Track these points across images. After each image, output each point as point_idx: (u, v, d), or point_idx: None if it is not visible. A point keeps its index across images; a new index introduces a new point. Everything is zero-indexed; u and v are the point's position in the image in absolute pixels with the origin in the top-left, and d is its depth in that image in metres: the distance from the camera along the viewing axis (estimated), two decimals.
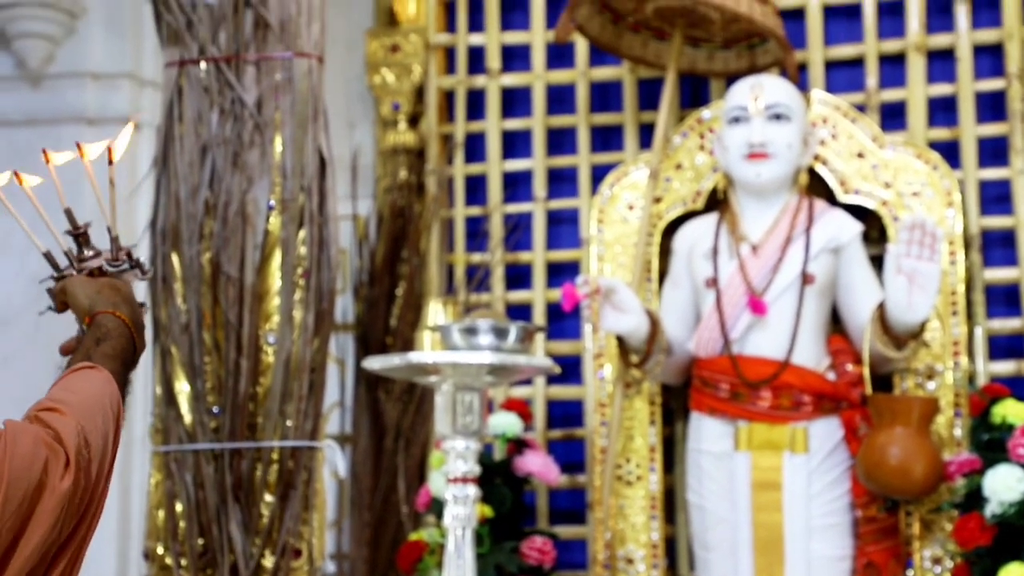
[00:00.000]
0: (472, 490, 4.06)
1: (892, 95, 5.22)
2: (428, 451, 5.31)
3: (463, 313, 5.04)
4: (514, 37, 5.61)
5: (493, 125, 5.57)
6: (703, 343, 4.80)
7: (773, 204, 4.85)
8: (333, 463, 4.40)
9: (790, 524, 4.66)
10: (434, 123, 5.61)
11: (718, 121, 5.01)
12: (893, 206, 4.92)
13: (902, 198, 4.91)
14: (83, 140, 2.26)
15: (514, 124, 5.58)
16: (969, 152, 5.10)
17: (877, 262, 4.76)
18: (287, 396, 4.21)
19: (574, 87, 5.54)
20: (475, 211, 5.55)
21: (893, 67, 5.25)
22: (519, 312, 5.43)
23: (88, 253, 2.26)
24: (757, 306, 4.72)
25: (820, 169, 4.98)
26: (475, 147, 5.61)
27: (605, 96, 5.55)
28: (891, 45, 5.25)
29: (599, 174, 5.36)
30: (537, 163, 5.52)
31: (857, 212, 4.93)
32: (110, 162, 2.21)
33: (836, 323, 4.88)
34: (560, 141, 5.54)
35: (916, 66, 5.19)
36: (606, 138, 5.51)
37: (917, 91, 5.18)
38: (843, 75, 5.29)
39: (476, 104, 5.62)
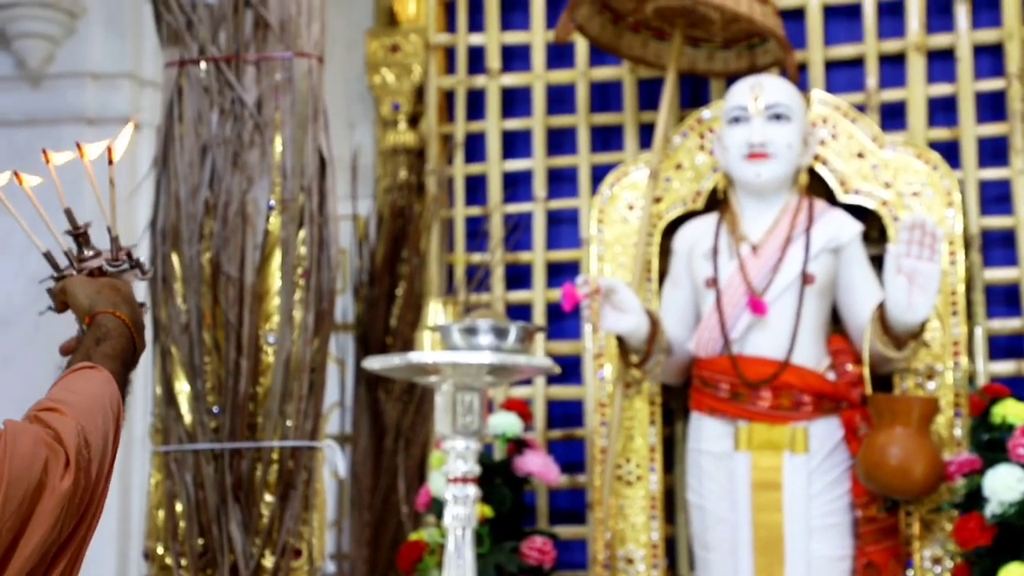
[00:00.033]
0: (472, 490, 4.05)
1: (892, 95, 5.22)
2: (428, 451, 5.31)
3: (463, 313, 5.04)
4: (514, 37, 5.61)
5: (493, 125, 5.57)
6: (703, 343, 4.80)
7: (773, 204, 4.85)
8: (333, 463, 4.40)
9: (790, 524, 4.66)
10: (434, 123, 5.61)
11: (718, 121, 5.01)
12: (893, 206, 4.92)
13: (902, 198, 4.91)
14: (83, 140, 2.26)
15: (514, 124, 5.58)
16: (969, 152, 5.10)
17: (877, 262, 4.76)
18: (287, 396, 4.21)
19: (574, 87, 5.54)
20: (475, 211, 5.55)
21: (893, 67, 5.25)
22: (519, 312, 5.43)
23: (88, 253, 2.26)
24: (757, 306, 4.72)
25: (820, 169, 4.98)
26: (475, 147, 5.61)
27: (605, 96, 5.55)
28: (891, 45, 5.25)
29: (599, 174, 5.36)
30: (537, 163, 5.52)
31: (857, 212, 4.93)
32: (110, 162, 2.21)
33: (836, 323, 4.88)
34: (560, 141, 5.54)
35: (916, 66, 5.19)
36: (606, 138, 5.51)
37: (917, 91, 5.18)
38: (843, 75, 5.29)
39: (476, 104, 5.62)
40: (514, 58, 5.62)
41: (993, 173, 5.09)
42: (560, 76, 5.55)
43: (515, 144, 5.58)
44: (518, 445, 4.94)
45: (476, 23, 5.65)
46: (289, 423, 4.20)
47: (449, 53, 5.70)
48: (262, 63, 4.32)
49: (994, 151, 5.12)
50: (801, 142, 4.85)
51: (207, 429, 4.21)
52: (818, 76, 5.26)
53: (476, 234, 5.53)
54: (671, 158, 5.12)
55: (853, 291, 4.79)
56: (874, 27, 5.25)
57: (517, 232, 5.51)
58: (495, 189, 5.53)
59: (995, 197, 5.10)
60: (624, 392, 4.93)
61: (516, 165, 5.55)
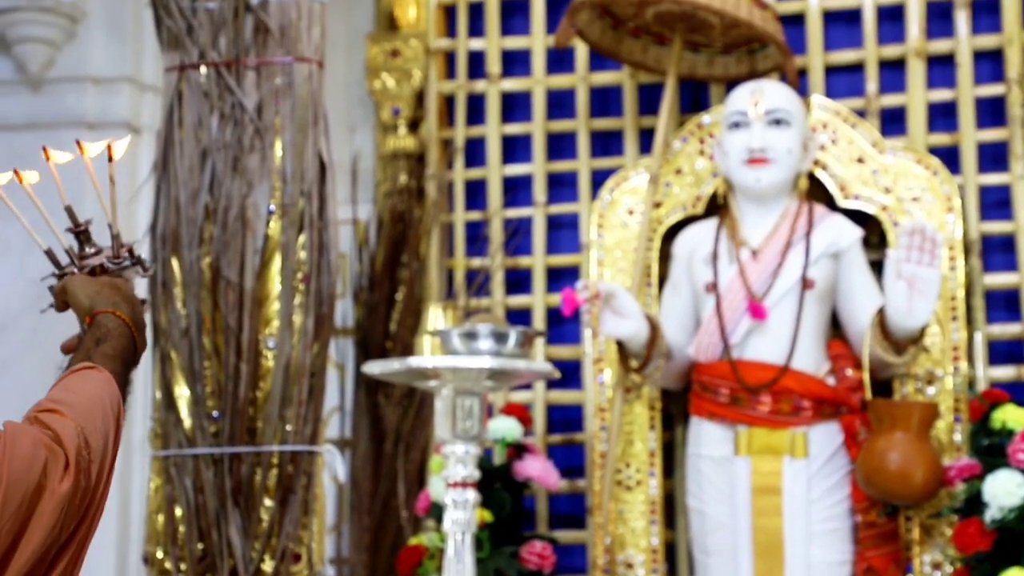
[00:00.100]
0: (472, 494, 4.05)
1: (892, 100, 5.23)
2: (428, 455, 5.31)
3: (463, 317, 5.05)
4: (514, 42, 5.62)
5: (493, 130, 5.58)
6: (703, 348, 4.80)
7: (773, 209, 4.85)
8: (333, 467, 4.40)
9: (790, 529, 4.66)
10: (434, 128, 5.62)
11: (718, 126, 5.01)
12: (893, 211, 4.92)
13: (902, 203, 4.91)
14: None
15: (514, 129, 5.58)
16: (969, 157, 5.10)
17: (877, 267, 4.77)
18: (287, 400, 4.20)
19: (574, 92, 5.54)
20: (475, 216, 5.55)
21: (893, 72, 5.25)
22: (519, 317, 5.43)
23: (89, 250, 2.26)
24: (757, 311, 4.72)
25: (820, 174, 4.98)
26: (475, 152, 5.61)
27: (605, 101, 5.55)
28: (891, 50, 5.25)
29: (599, 179, 5.36)
30: (537, 168, 5.52)
31: (857, 217, 4.93)
32: (110, 159, 2.21)
33: (836, 328, 4.88)
34: (560, 146, 5.54)
35: (916, 71, 5.19)
36: (606, 143, 5.51)
37: (917, 96, 5.18)
38: (843, 80, 5.30)
39: (476, 109, 5.62)
40: (514, 63, 5.62)
41: (993, 178, 5.09)
42: (560, 81, 5.55)
43: (515, 149, 5.58)
44: (518, 449, 4.94)
45: (476, 28, 5.65)
46: (289, 427, 4.20)
47: (449, 58, 5.71)
48: (262, 68, 4.32)
49: (994, 156, 5.12)
50: (801, 147, 4.85)
51: (207, 433, 4.21)
52: (818, 81, 5.26)
53: (476, 239, 5.53)
54: (671, 163, 5.12)
55: (853, 296, 4.79)
56: (874, 32, 5.25)
57: (517, 237, 5.51)
58: (495, 194, 5.53)
59: (995, 202, 5.11)
60: (624, 397, 4.93)
61: (516, 170, 5.55)
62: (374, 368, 4.15)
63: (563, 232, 5.49)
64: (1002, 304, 5.07)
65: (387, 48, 5.70)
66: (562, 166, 5.51)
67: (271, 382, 4.21)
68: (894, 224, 4.89)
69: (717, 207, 5.02)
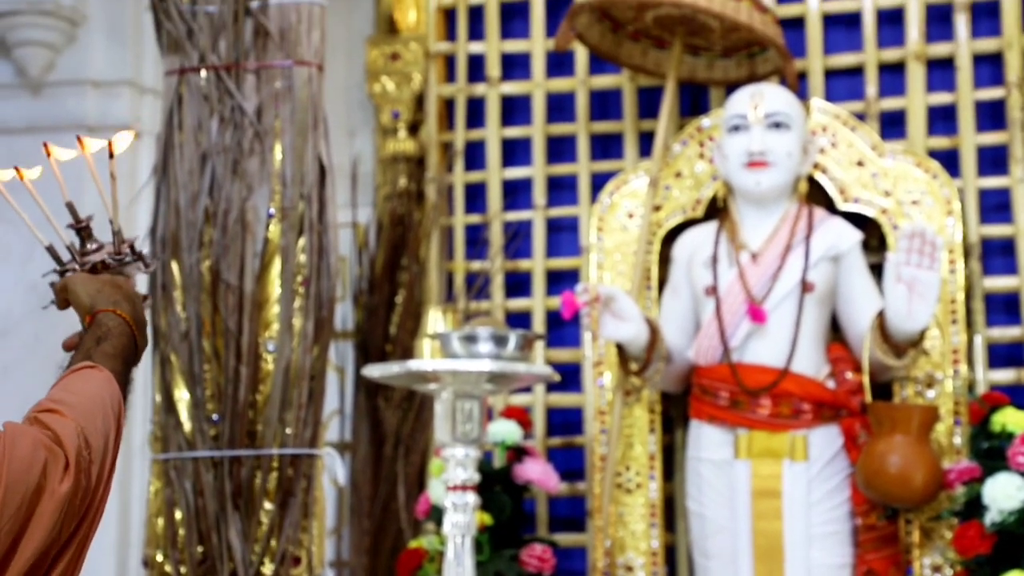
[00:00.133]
0: (471, 498, 4.06)
1: (892, 104, 5.23)
2: (428, 459, 5.31)
3: (463, 321, 5.05)
4: (514, 45, 5.62)
5: (493, 133, 5.58)
6: (702, 351, 4.80)
7: (773, 212, 4.85)
8: (332, 471, 4.40)
9: (790, 532, 4.66)
10: (434, 131, 5.62)
11: (718, 129, 5.01)
12: (893, 214, 4.92)
13: (902, 206, 4.92)
14: None
15: (514, 132, 5.58)
16: (969, 161, 5.10)
17: (877, 270, 4.77)
18: (286, 404, 4.21)
19: (574, 95, 5.54)
20: (475, 219, 5.56)
21: (893, 76, 5.26)
22: (519, 320, 5.43)
23: (91, 247, 2.26)
24: (756, 314, 4.72)
25: (820, 177, 4.99)
26: (475, 155, 5.61)
27: (605, 104, 5.55)
28: (891, 54, 5.25)
29: (599, 182, 5.36)
30: (537, 171, 5.52)
31: (857, 220, 4.93)
32: (111, 155, 2.21)
33: (836, 331, 4.88)
34: (560, 149, 5.55)
35: (916, 75, 5.19)
36: (606, 146, 5.52)
37: (917, 100, 5.18)
38: (843, 84, 5.30)
39: (476, 112, 5.62)
40: (514, 66, 5.63)
41: (993, 182, 5.10)
42: (560, 84, 5.56)
43: (515, 152, 5.59)
44: (518, 453, 4.94)
45: (476, 31, 5.65)
46: (288, 431, 4.20)
47: (449, 61, 5.71)
48: (262, 71, 4.32)
49: (993, 160, 5.13)
50: (801, 150, 4.85)
51: (206, 437, 4.21)
52: (818, 85, 5.26)
53: (476, 242, 5.54)
54: (671, 166, 5.13)
55: (853, 299, 4.80)
56: (874, 36, 5.26)
57: (517, 240, 5.51)
58: (495, 197, 5.53)
59: (995, 206, 5.11)
60: (624, 400, 4.93)
61: (516, 173, 5.55)
62: (374, 371, 4.15)
63: (563, 235, 5.50)
64: (1002, 307, 5.08)
65: (387, 51, 5.70)
66: (562, 169, 5.52)
67: (271, 385, 4.21)
68: (894, 227, 4.89)
69: (717, 210, 5.02)
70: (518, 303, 5.48)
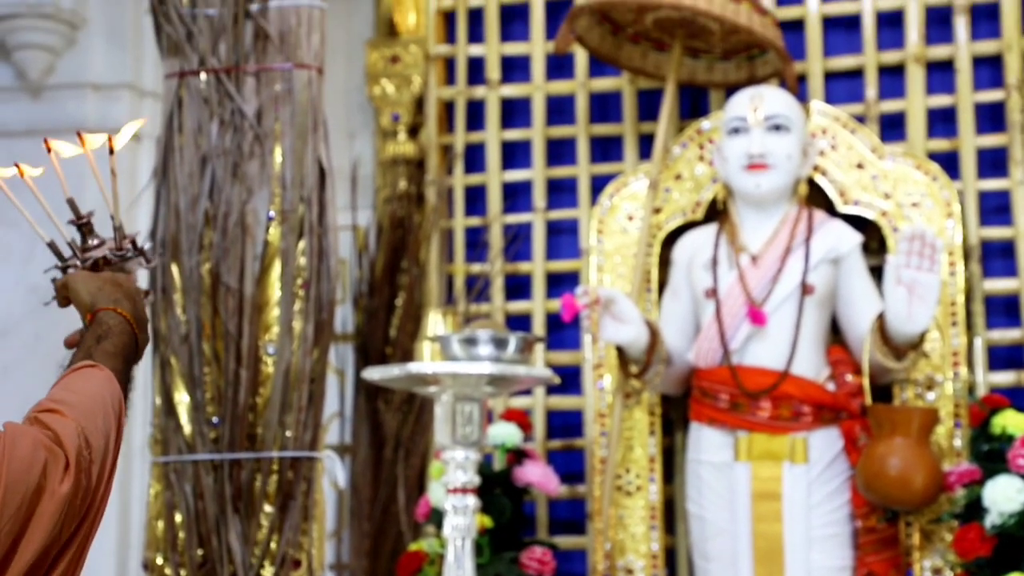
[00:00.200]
0: (471, 500, 4.06)
1: (891, 106, 5.23)
2: (428, 461, 5.31)
3: (463, 323, 5.05)
4: (514, 48, 5.62)
5: (493, 136, 5.58)
6: (702, 353, 4.80)
7: (772, 215, 4.85)
8: (332, 473, 4.40)
9: (790, 534, 4.66)
10: (434, 134, 5.62)
11: (718, 132, 5.01)
12: (892, 217, 4.92)
13: (901, 209, 4.92)
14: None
15: (514, 135, 5.59)
16: (968, 163, 5.10)
17: (877, 273, 4.77)
18: (287, 406, 4.21)
19: (574, 98, 5.54)
20: (475, 221, 5.56)
21: (892, 78, 5.26)
22: (519, 322, 5.43)
23: (92, 242, 2.25)
24: (756, 316, 4.72)
25: (819, 180, 4.99)
26: (475, 158, 5.61)
27: (605, 107, 5.55)
28: (890, 56, 5.26)
29: (599, 184, 5.36)
30: (537, 173, 5.52)
31: (856, 223, 4.93)
32: (111, 151, 2.21)
33: (836, 333, 4.88)
34: (560, 152, 5.55)
35: (915, 77, 5.19)
36: (606, 149, 5.52)
37: (916, 102, 5.18)
38: (842, 86, 5.30)
39: (476, 115, 5.63)
40: (514, 69, 5.63)
41: (992, 184, 5.10)
42: (560, 87, 5.56)
43: (515, 155, 5.59)
44: (518, 455, 4.94)
45: (476, 34, 5.65)
46: (288, 433, 4.20)
47: (449, 64, 5.71)
48: (262, 74, 4.32)
49: (993, 162, 5.13)
50: (800, 153, 4.85)
51: (206, 440, 4.21)
52: (817, 87, 5.26)
53: (476, 244, 5.54)
54: (671, 169, 5.13)
55: (853, 302, 4.80)
56: (873, 38, 5.26)
57: (517, 242, 5.51)
58: (495, 199, 5.54)
59: (994, 208, 5.11)
60: (624, 402, 4.93)
61: (516, 175, 5.56)
62: (374, 374, 4.15)
63: (563, 238, 5.50)
64: (1002, 309, 5.08)
65: (387, 54, 5.71)
66: (562, 172, 5.52)
67: (271, 388, 4.21)
68: (894, 230, 4.89)
69: (717, 213, 5.02)
70: (518, 306, 5.48)
